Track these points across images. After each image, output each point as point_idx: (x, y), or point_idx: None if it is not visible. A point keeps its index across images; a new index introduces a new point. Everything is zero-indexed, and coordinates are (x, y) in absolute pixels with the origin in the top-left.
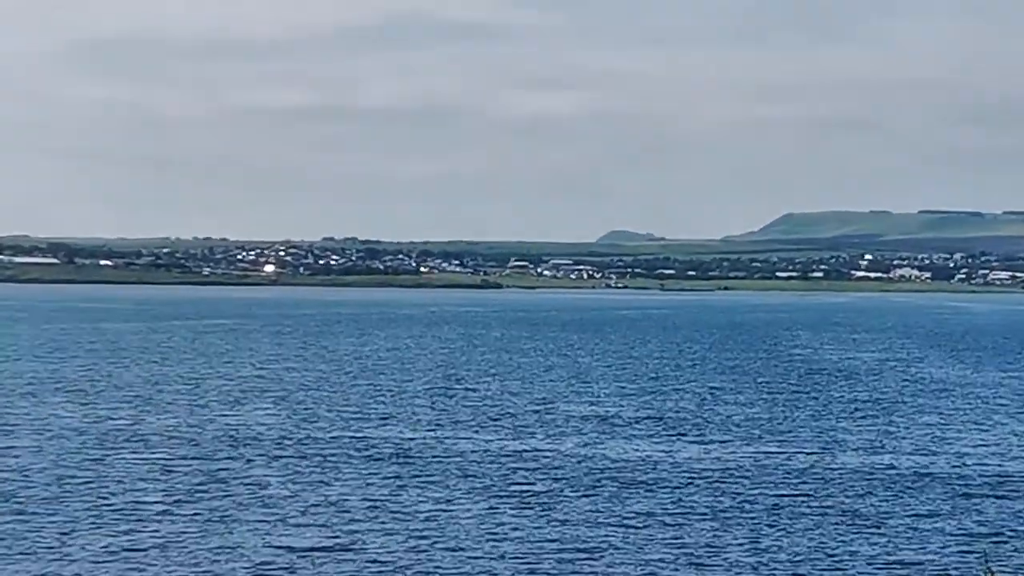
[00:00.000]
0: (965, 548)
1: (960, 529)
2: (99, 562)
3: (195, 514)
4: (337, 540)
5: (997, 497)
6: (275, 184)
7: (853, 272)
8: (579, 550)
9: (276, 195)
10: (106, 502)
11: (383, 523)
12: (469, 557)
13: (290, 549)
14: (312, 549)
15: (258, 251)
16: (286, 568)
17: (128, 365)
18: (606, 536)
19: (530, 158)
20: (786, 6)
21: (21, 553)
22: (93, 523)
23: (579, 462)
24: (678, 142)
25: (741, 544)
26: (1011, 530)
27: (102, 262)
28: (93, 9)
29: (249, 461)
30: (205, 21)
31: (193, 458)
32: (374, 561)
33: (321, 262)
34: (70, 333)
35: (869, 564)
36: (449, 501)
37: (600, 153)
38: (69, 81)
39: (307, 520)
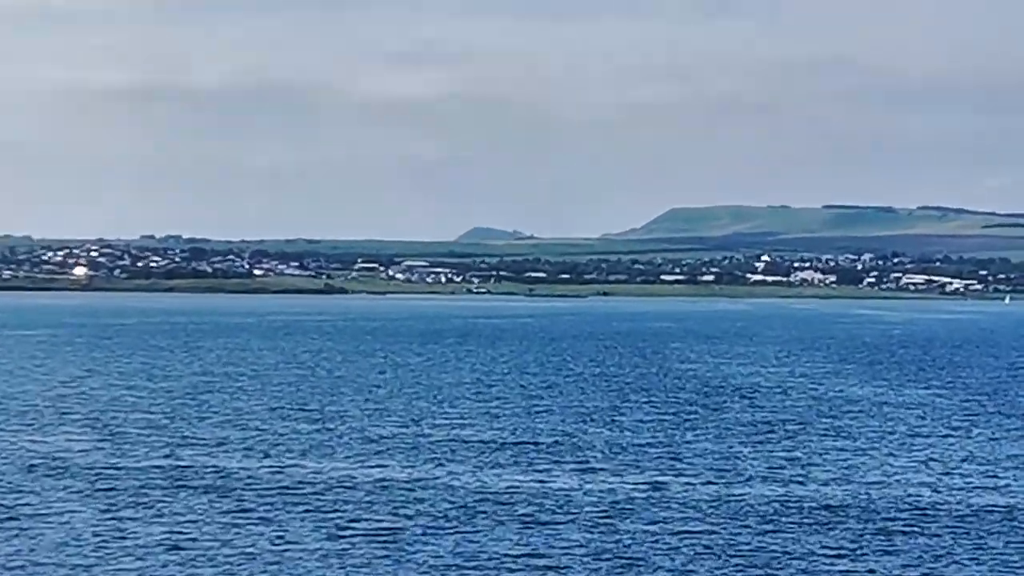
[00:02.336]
0: None
1: (877, 570)
2: None
3: None
4: None
5: (918, 533)
6: (87, 175)
7: (748, 275)
8: None
9: (88, 188)
10: None
11: (216, 564)
12: None
13: None
14: None
15: (67, 251)
16: None
17: None
18: None
19: (381, 146)
20: None
21: None
22: None
23: (440, 494)
24: (550, 129)
25: None
26: (933, 571)
27: None
28: None
29: (57, 494)
30: None
31: None
32: None
33: (140, 264)
34: None
35: None
36: (290, 539)
37: (461, 141)
38: None
39: (126, 563)
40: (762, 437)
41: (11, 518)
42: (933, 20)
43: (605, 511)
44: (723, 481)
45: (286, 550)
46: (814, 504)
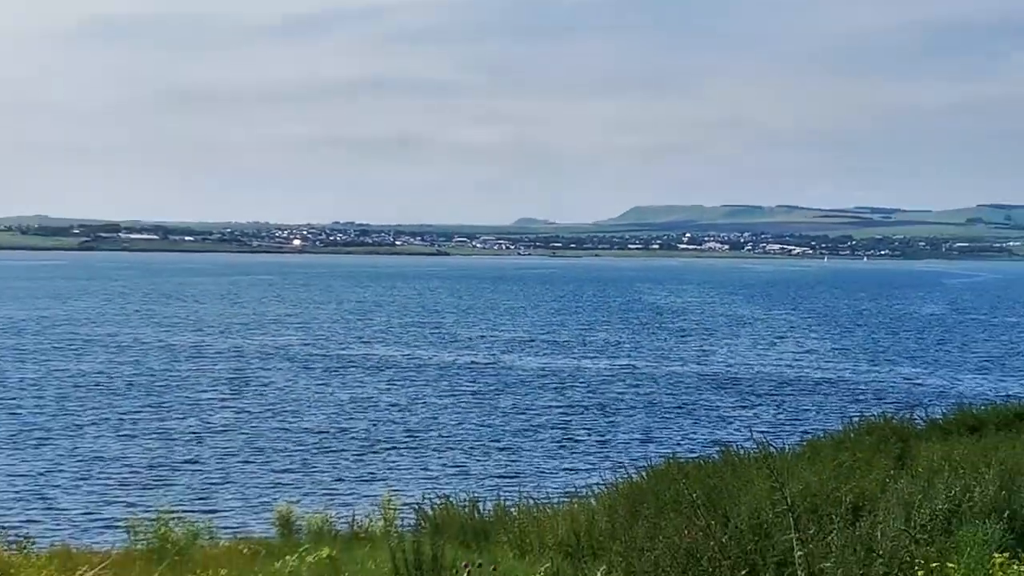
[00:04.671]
0: (753, 430)
1: (753, 415)
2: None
3: (244, 407)
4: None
5: (779, 393)
6: (302, 186)
7: (679, 245)
8: (496, 431)
9: (302, 194)
10: (168, 400)
11: (379, 409)
12: (423, 430)
13: (305, 431)
14: (318, 430)
15: (289, 230)
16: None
17: (206, 305)
18: (515, 424)
19: (467, 170)
20: (640, 68)
21: None
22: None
23: (505, 371)
24: (566, 159)
25: (599, 424)
26: (788, 414)
27: (186, 238)
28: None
29: (278, 371)
30: (252, 73)
31: (236, 369)
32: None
33: (331, 238)
34: (178, 285)
35: (689, 440)
36: (419, 396)
37: (513, 166)
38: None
39: (324, 409)
40: (688, 337)
41: (250, 384)
42: (784, 89)
43: (600, 379)
44: (666, 362)
45: (417, 402)
46: (718, 376)
